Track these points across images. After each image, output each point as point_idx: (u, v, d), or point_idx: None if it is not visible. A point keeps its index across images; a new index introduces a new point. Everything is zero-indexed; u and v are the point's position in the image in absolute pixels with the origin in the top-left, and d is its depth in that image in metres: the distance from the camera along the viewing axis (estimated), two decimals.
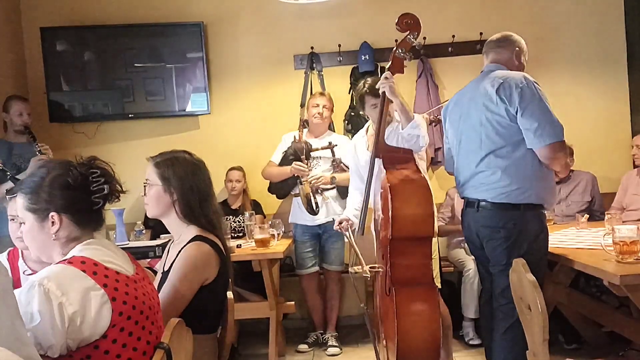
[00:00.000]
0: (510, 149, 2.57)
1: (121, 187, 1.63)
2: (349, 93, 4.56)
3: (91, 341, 1.41)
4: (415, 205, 2.64)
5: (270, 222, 3.83)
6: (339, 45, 4.59)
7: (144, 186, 2.01)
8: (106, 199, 1.58)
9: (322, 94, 4.20)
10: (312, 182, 3.90)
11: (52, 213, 1.52)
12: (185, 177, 1.98)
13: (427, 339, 2.56)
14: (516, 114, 2.52)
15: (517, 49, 2.74)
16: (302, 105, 4.53)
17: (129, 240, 3.50)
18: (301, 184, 3.93)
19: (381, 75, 2.89)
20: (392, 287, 2.62)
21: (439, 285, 3.14)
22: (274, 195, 4.29)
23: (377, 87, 2.89)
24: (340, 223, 3.22)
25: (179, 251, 1.93)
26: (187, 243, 1.93)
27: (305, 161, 3.95)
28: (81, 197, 1.54)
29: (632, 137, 4.32)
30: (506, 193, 2.58)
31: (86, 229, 1.56)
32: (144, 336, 1.49)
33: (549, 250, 2.70)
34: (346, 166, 4.05)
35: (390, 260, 2.66)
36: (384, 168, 2.77)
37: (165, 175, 1.98)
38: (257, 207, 4.34)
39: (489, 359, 2.81)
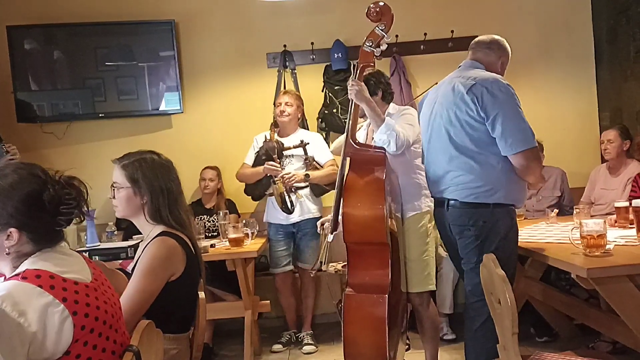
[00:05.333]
0: (480, 150, 2.52)
1: (88, 209, 1.54)
2: (322, 91, 4.56)
3: (54, 359, 1.33)
4: (364, 209, 2.59)
5: (244, 222, 3.82)
6: (312, 43, 4.58)
7: (112, 189, 2.00)
8: (70, 222, 1.50)
9: (286, 92, 4.15)
10: (286, 180, 3.89)
11: (12, 229, 1.41)
12: (154, 179, 1.97)
13: (372, 346, 2.55)
14: (487, 117, 2.47)
15: (504, 57, 2.71)
16: (275, 104, 4.51)
17: (100, 242, 3.46)
18: (274, 184, 3.92)
19: (354, 71, 2.83)
20: (345, 290, 2.61)
21: (434, 288, 3.08)
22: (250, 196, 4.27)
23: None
24: (322, 224, 3.17)
25: (144, 248, 1.93)
26: (153, 239, 1.93)
27: (278, 160, 3.94)
28: (47, 219, 1.44)
29: (600, 133, 4.41)
30: (475, 194, 2.55)
31: (42, 246, 1.45)
32: (108, 347, 1.44)
33: (519, 244, 2.71)
34: (319, 164, 4.05)
35: (348, 263, 2.66)
36: (349, 168, 2.72)
37: (135, 178, 1.96)
38: (231, 207, 4.33)
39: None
